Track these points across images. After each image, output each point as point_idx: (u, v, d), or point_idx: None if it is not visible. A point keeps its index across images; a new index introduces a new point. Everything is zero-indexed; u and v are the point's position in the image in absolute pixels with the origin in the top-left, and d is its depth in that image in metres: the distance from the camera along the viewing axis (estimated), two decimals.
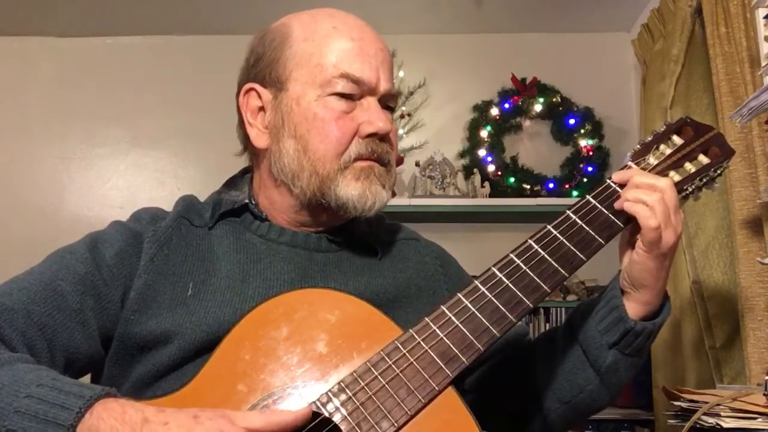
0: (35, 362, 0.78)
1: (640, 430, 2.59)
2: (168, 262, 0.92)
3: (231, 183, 1.06)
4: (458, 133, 3.07)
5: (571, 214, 0.89)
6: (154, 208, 1.01)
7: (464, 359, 0.80)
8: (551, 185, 2.93)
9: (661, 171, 0.92)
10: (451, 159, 2.95)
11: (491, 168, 2.94)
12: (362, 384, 0.78)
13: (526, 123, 3.09)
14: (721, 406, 1.18)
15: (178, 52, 3.15)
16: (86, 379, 0.90)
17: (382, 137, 0.94)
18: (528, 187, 2.92)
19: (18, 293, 0.83)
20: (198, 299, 0.90)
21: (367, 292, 0.91)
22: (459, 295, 0.84)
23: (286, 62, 0.94)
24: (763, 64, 1.57)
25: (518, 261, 0.86)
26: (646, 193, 0.85)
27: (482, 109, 3.04)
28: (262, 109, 0.97)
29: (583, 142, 2.97)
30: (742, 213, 1.72)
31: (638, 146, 0.96)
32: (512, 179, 2.93)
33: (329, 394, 0.77)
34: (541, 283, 0.85)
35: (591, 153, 2.95)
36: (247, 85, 0.98)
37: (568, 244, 0.87)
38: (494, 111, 3.02)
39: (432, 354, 0.80)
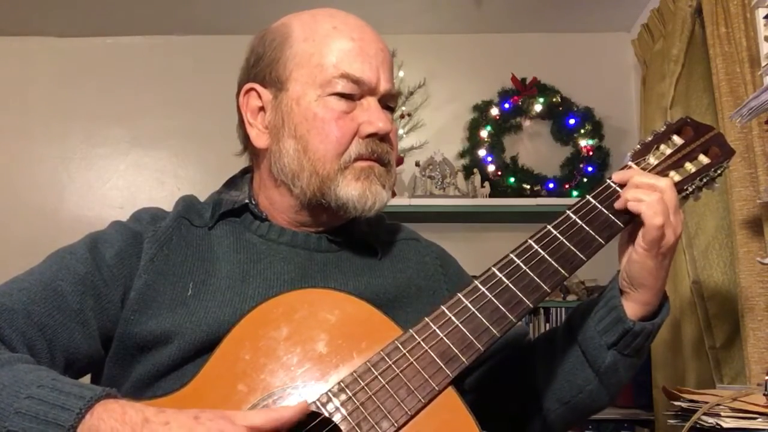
0: (35, 362, 0.78)
1: (640, 430, 2.59)
2: (168, 262, 0.92)
3: (231, 183, 1.06)
4: (458, 133, 3.07)
5: (571, 214, 0.89)
6: (154, 208, 1.01)
7: (464, 359, 0.80)
8: (551, 185, 2.93)
9: (662, 171, 0.92)
10: (451, 159, 2.95)
11: (491, 168, 2.94)
12: (362, 384, 0.78)
13: (526, 123, 3.09)
14: (721, 406, 1.18)
15: (178, 52, 3.15)
16: (86, 379, 0.90)
17: (382, 137, 0.94)
18: (528, 187, 2.92)
19: (18, 293, 0.83)
20: (198, 299, 0.90)
21: (367, 292, 0.91)
22: (459, 295, 0.84)
23: (286, 62, 0.94)
24: (763, 64, 1.57)
25: (518, 261, 0.86)
26: (645, 193, 0.85)
27: (482, 109, 3.04)
28: (262, 109, 0.97)
29: (583, 142, 2.97)
30: (742, 213, 1.72)
31: (638, 146, 0.96)
32: (512, 179, 2.93)
33: (329, 394, 0.78)
34: (541, 283, 0.85)
35: (591, 153, 2.95)
36: (247, 85, 0.98)
37: (568, 244, 0.87)
38: (494, 111, 3.02)
39: (432, 354, 0.80)
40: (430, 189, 2.86)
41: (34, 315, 0.82)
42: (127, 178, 3.10)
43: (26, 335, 0.81)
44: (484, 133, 3.00)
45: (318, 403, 0.77)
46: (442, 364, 0.79)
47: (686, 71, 2.26)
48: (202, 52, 3.11)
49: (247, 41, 1.01)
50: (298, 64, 0.93)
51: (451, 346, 0.81)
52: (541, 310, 2.77)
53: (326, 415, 0.76)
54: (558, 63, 3.07)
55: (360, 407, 0.77)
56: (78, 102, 3.11)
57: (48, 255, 0.92)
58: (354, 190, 0.92)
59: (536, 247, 0.87)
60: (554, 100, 3.01)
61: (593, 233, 0.87)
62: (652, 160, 0.94)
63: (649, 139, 0.96)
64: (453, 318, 0.82)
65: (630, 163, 0.94)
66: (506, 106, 3.02)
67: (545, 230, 0.88)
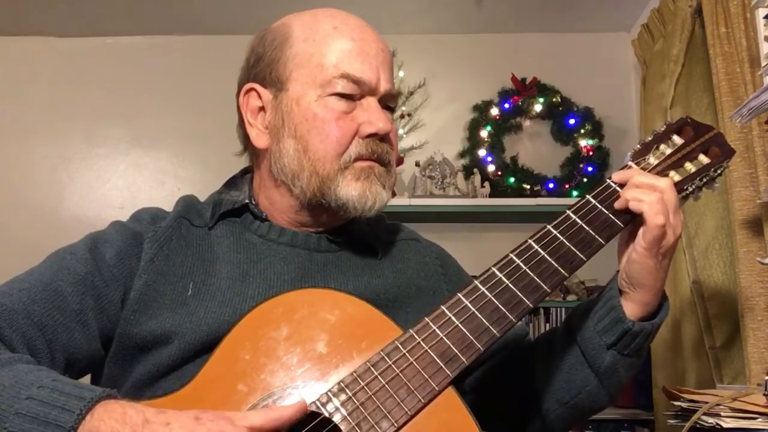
0: (35, 363, 0.78)
1: (640, 430, 2.59)
2: (168, 262, 0.92)
3: (231, 183, 1.06)
4: (458, 133, 3.07)
5: (571, 214, 0.89)
6: (154, 208, 1.01)
7: (464, 359, 0.80)
8: (551, 185, 2.93)
9: (662, 171, 0.92)
10: (451, 159, 2.95)
11: (491, 168, 2.94)
12: (362, 384, 0.78)
13: (526, 123, 3.09)
14: (721, 406, 1.18)
15: (178, 52, 3.15)
16: (86, 379, 0.90)
17: (383, 137, 0.94)
18: (528, 187, 2.92)
19: (18, 294, 0.83)
20: (198, 299, 0.90)
21: (367, 293, 0.91)
22: (459, 295, 0.84)
23: (286, 62, 0.94)
24: (763, 64, 1.57)
25: (518, 261, 0.86)
26: (646, 193, 0.85)
27: (482, 109, 3.04)
28: (262, 109, 0.97)
29: (583, 142, 2.97)
30: (742, 213, 1.72)
31: (638, 146, 0.96)
32: (512, 179, 2.93)
33: (329, 394, 0.78)
34: (541, 283, 0.85)
35: (591, 153, 2.95)
36: (248, 85, 0.98)
37: (568, 244, 0.87)
38: (494, 111, 3.02)
39: (432, 354, 0.80)
40: (430, 189, 2.86)
41: (35, 315, 0.82)
42: (127, 178, 3.10)
43: (26, 335, 0.81)
44: (484, 133, 3.00)
45: (318, 403, 0.77)
46: (442, 364, 0.79)
47: (686, 71, 2.26)
48: (202, 52, 3.11)
49: (247, 41, 1.01)
50: (299, 64, 0.93)
51: (451, 346, 0.81)
52: (541, 310, 2.77)
53: (326, 415, 0.76)
54: (558, 63, 3.07)
55: (360, 407, 0.77)
56: (78, 102, 3.11)
57: (48, 255, 0.92)
58: (354, 191, 0.92)
59: (536, 247, 0.87)
60: (554, 100, 3.01)
61: (593, 233, 0.87)
62: (652, 160, 0.94)
63: (649, 139, 0.96)
64: (453, 318, 0.82)
65: (630, 162, 0.94)
66: (506, 106, 3.02)
67: (545, 230, 0.88)
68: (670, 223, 0.85)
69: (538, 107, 3.02)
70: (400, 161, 2.89)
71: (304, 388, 0.78)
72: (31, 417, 0.68)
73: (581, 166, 2.94)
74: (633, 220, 0.87)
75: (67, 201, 3.05)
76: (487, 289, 0.84)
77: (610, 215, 0.88)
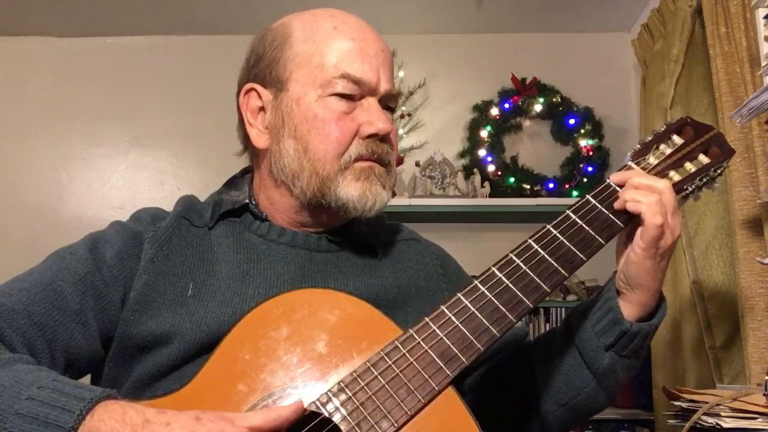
0: (35, 363, 0.78)
1: (640, 430, 2.60)
2: (168, 262, 0.92)
3: (231, 183, 1.06)
4: (458, 133, 3.07)
5: (571, 214, 0.89)
6: (154, 208, 1.01)
7: (464, 359, 0.80)
8: (551, 185, 2.93)
9: (662, 171, 0.92)
10: (451, 159, 2.95)
11: (491, 168, 2.94)
12: (362, 384, 0.78)
13: (526, 123, 3.09)
14: (721, 406, 1.18)
15: (178, 52, 3.14)
16: (86, 379, 0.90)
17: (383, 138, 0.94)
18: (528, 187, 2.92)
19: (18, 294, 0.83)
20: (198, 299, 0.90)
21: (367, 293, 0.91)
22: (459, 294, 0.84)
23: (286, 62, 0.94)
24: (763, 64, 1.57)
25: (518, 261, 0.86)
26: (644, 194, 0.85)
27: (482, 109, 3.04)
28: (262, 109, 0.97)
29: (583, 142, 2.97)
30: (742, 213, 1.72)
31: (638, 146, 0.96)
32: (512, 179, 2.93)
33: (329, 394, 0.78)
34: (541, 283, 0.85)
35: (591, 153, 2.95)
36: (248, 85, 0.98)
37: (568, 243, 0.87)
38: (494, 111, 3.02)
39: (432, 354, 0.80)
40: (430, 189, 2.86)
41: (35, 315, 0.82)
42: (127, 178, 3.10)
43: (26, 335, 0.81)
44: (484, 133, 3.00)
45: (318, 403, 0.77)
46: (442, 364, 0.79)
47: (686, 71, 2.26)
48: (202, 52, 3.11)
49: (247, 41, 1.01)
50: (299, 65, 0.93)
51: (451, 346, 0.81)
52: (541, 310, 2.77)
53: (326, 415, 0.76)
54: (558, 63, 3.07)
55: (360, 407, 0.77)
56: (78, 102, 3.11)
57: (48, 255, 0.92)
58: (354, 191, 0.92)
59: (536, 246, 0.87)
60: (554, 100, 3.01)
61: (593, 233, 0.87)
62: (652, 159, 0.94)
63: (649, 138, 0.96)
64: (453, 318, 0.82)
65: (630, 162, 0.94)
66: (506, 106, 3.02)
67: (545, 230, 0.88)
68: (669, 223, 0.85)
69: (538, 107, 3.02)
70: (400, 161, 2.89)
71: (304, 388, 0.78)
72: (31, 417, 0.69)
73: (581, 166, 2.94)
74: (633, 219, 0.87)
75: (67, 201, 3.05)
76: (487, 289, 0.84)
77: (610, 215, 0.88)
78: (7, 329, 0.79)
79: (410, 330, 0.82)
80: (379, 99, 0.95)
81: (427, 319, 0.82)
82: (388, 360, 0.79)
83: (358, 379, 0.78)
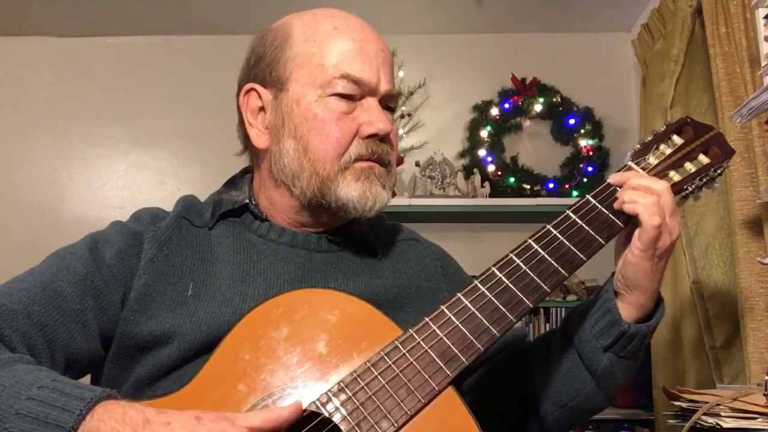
0: (35, 363, 0.78)
1: (640, 430, 2.60)
2: (168, 262, 0.92)
3: (231, 183, 1.06)
4: (458, 133, 3.07)
5: (571, 214, 0.89)
6: (154, 208, 1.01)
7: (464, 359, 0.80)
8: (551, 185, 2.93)
9: (661, 171, 0.92)
10: (451, 159, 2.95)
11: (491, 168, 2.94)
12: (362, 384, 0.78)
13: (526, 123, 3.09)
14: (721, 406, 1.18)
15: (178, 52, 3.15)
16: (86, 379, 0.90)
17: (383, 138, 0.94)
18: (528, 187, 2.92)
19: (18, 294, 0.83)
20: (198, 299, 0.90)
21: (368, 293, 0.90)
22: (459, 294, 0.84)
23: (286, 62, 0.94)
24: (763, 64, 1.57)
25: (518, 261, 0.86)
26: (642, 195, 0.85)
27: (482, 109, 3.04)
28: (262, 109, 0.97)
29: (583, 142, 2.97)
30: (742, 213, 1.72)
31: (638, 146, 0.96)
32: (512, 179, 2.93)
33: (329, 394, 0.78)
34: (541, 283, 0.85)
35: (591, 153, 2.95)
36: (248, 85, 0.98)
37: (568, 243, 0.87)
38: (494, 111, 3.02)
39: (432, 354, 0.80)
40: (430, 189, 2.86)
41: (35, 315, 0.82)
42: (127, 178, 3.10)
43: (26, 335, 0.81)
44: (484, 133, 3.00)
45: (318, 403, 0.77)
46: (442, 364, 0.79)
47: (686, 71, 2.26)
48: (202, 52, 3.11)
49: (247, 41, 1.01)
50: (299, 65, 0.93)
51: (451, 346, 0.81)
52: (541, 310, 2.77)
53: (326, 414, 0.76)
54: (558, 63, 3.07)
55: (360, 407, 0.77)
56: (78, 102, 3.11)
57: (48, 255, 0.92)
58: (354, 191, 0.92)
59: (536, 246, 0.87)
60: (554, 100, 3.01)
61: (593, 233, 0.87)
62: (652, 159, 0.94)
63: (649, 138, 0.96)
64: (453, 318, 0.82)
65: (630, 162, 0.94)
66: (506, 106, 3.02)
67: (545, 230, 0.88)
68: (667, 224, 0.85)
69: (538, 107, 3.02)
70: (400, 161, 2.89)
71: (304, 388, 0.78)
72: (31, 417, 0.69)
73: (581, 166, 2.94)
74: (632, 220, 0.87)
75: (67, 201, 3.05)
76: (487, 289, 0.84)
77: (610, 215, 0.88)
78: (7, 329, 0.79)
79: (410, 330, 0.82)
80: (379, 99, 0.95)
81: (427, 319, 0.82)
82: (388, 360, 0.79)
83: (358, 379, 0.78)
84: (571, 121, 2.99)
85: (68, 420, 0.68)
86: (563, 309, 2.74)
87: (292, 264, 0.94)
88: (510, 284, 0.84)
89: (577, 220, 0.88)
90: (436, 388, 0.78)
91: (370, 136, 0.93)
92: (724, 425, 1.15)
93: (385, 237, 1.05)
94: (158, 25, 3.07)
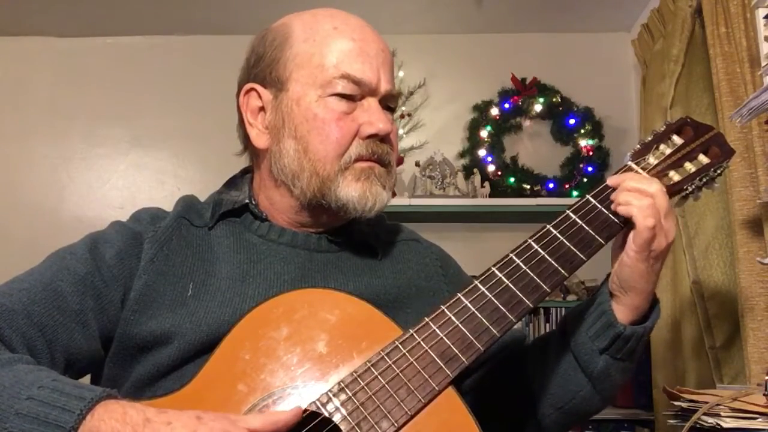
0: (35, 363, 0.78)
1: (640, 430, 2.59)
2: (168, 262, 0.92)
3: (231, 183, 1.06)
4: (458, 133, 3.07)
5: (571, 214, 0.89)
6: (154, 208, 1.01)
7: (464, 359, 0.80)
8: (551, 185, 2.94)
9: (661, 171, 0.92)
10: (451, 159, 2.95)
11: (491, 168, 2.94)
12: (362, 384, 0.78)
13: (526, 123, 3.09)
14: (721, 406, 1.18)
15: (178, 52, 3.15)
16: (86, 379, 0.90)
17: (383, 138, 0.94)
18: (528, 187, 2.92)
19: (18, 294, 0.83)
20: (198, 299, 0.90)
21: (368, 293, 0.90)
22: (459, 294, 0.84)
23: (286, 62, 0.94)
24: (763, 64, 1.57)
25: (518, 261, 0.86)
26: (636, 197, 0.85)
27: (482, 109, 3.04)
28: (262, 109, 0.97)
29: (583, 142, 2.97)
30: (742, 213, 1.72)
31: (638, 146, 0.96)
32: (512, 179, 2.93)
33: (329, 394, 0.78)
34: (541, 283, 0.85)
35: (591, 153, 2.95)
36: (248, 85, 0.98)
37: (568, 243, 0.87)
38: (494, 111, 3.02)
39: (432, 354, 0.80)
40: (430, 189, 2.86)
41: (34, 315, 0.82)
42: (127, 178, 3.10)
43: (26, 336, 0.81)
44: (484, 133, 3.00)
45: (318, 403, 0.77)
46: (442, 364, 0.79)
47: (686, 71, 2.26)
48: (202, 52, 3.11)
49: (247, 41, 1.01)
50: (299, 65, 0.93)
51: (451, 346, 0.81)
52: (541, 310, 2.77)
53: (326, 415, 0.76)
54: (558, 63, 3.07)
55: (360, 407, 0.77)
56: (78, 102, 3.11)
57: (48, 255, 0.92)
58: (354, 191, 0.92)
59: (536, 246, 0.87)
60: (554, 100, 3.01)
61: (593, 233, 0.87)
62: (652, 159, 0.94)
63: (649, 139, 0.96)
64: (453, 318, 0.82)
65: (630, 163, 0.94)
66: (506, 106, 3.02)
67: (545, 230, 0.88)
68: (662, 226, 0.84)
69: (538, 107, 3.02)
70: (400, 161, 2.89)
71: (304, 388, 0.78)
72: (31, 417, 0.69)
73: (581, 166, 2.94)
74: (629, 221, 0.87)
75: (67, 201, 3.05)
76: (487, 289, 0.84)
77: (610, 215, 0.88)
78: (7, 329, 0.79)
79: (410, 330, 0.82)
80: (380, 99, 0.95)
81: (427, 319, 0.82)
82: (388, 360, 0.79)
83: (359, 379, 0.78)
84: (571, 121, 2.99)
85: (68, 420, 0.68)
86: (563, 309, 2.74)
87: (292, 264, 0.94)
88: (510, 284, 0.84)
89: (577, 220, 0.88)
90: (436, 388, 0.78)
91: (370, 137, 0.93)
92: (724, 425, 1.15)
93: (385, 237, 1.05)
94: (158, 25, 3.07)
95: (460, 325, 0.82)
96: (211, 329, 0.86)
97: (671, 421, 1.31)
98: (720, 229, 2.01)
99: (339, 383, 0.78)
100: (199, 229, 0.97)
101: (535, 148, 3.07)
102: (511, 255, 0.87)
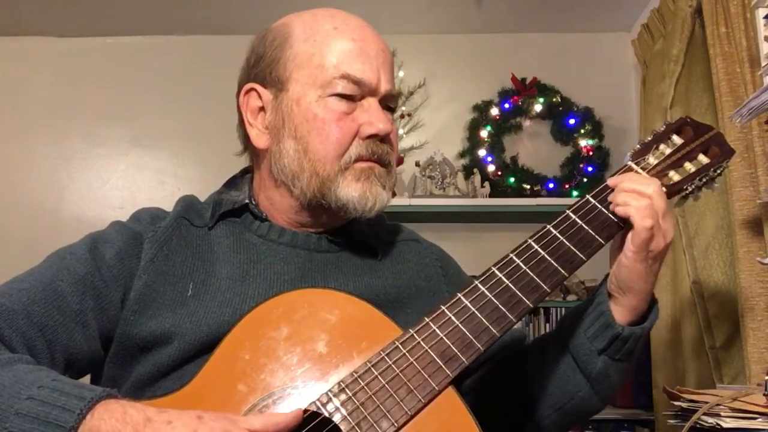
0: (35, 363, 0.78)
1: (640, 430, 2.59)
2: (168, 262, 0.92)
3: (231, 183, 1.06)
4: (458, 133, 3.07)
5: (571, 214, 0.89)
6: (154, 208, 1.01)
7: (464, 359, 0.80)
8: (551, 185, 2.94)
9: (661, 171, 0.92)
10: (451, 159, 2.95)
11: (491, 168, 2.94)
12: (362, 384, 0.78)
13: (526, 123, 3.09)
14: (721, 406, 1.18)
15: (178, 52, 3.15)
16: (86, 379, 0.90)
17: (383, 138, 0.94)
18: (528, 187, 2.92)
19: (18, 294, 0.83)
20: (198, 299, 0.90)
21: (368, 293, 0.90)
22: (459, 294, 0.84)
23: (286, 62, 0.94)
24: (763, 64, 1.57)
25: (518, 261, 0.86)
26: (634, 198, 0.85)
27: (482, 109, 3.04)
28: (262, 109, 0.97)
29: (583, 142, 2.97)
30: (742, 213, 1.72)
31: (638, 146, 0.96)
32: (512, 179, 2.93)
33: (329, 394, 0.78)
34: (541, 283, 0.85)
35: (591, 153, 2.95)
36: (248, 85, 0.98)
37: (567, 243, 0.87)
38: (494, 111, 3.02)
39: (432, 354, 0.80)
40: (430, 189, 2.86)
41: (34, 315, 0.82)
42: (127, 178, 3.10)
43: (26, 336, 0.81)
44: (484, 133, 3.00)
45: (318, 403, 0.77)
46: (442, 364, 0.79)
47: (686, 71, 2.26)
48: (202, 52, 3.11)
49: (247, 41, 1.01)
50: (299, 65, 0.93)
51: (451, 345, 0.81)
52: (541, 310, 2.77)
53: (326, 415, 0.76)
54: (558, 63, 3.07)
55: (360, 407, 0.77)
56: (78, 102, 3.11)
57: (48, 255, 0.92)
58: (354, 191, 0.92)
59: (536, 246, 0.87)
60: (554, 100, 3.01)
61: (593, 233, 0.87)
62: (652, 159, 0.94)
63: (649, 139, 0.96)
64: (453, 318, 0.82)
65: (630, 162, 0.94)
66: (506, 106, 3.02)
67: (545, 230, 0.88)
68: (660, 227, 0.84)
69: (538, 107, 3.02)
70: (400, 161, 2.89)
71: (304, 388, 0.78)
72: (31, 417, 0.69)
73: (581, 166, 2.94)
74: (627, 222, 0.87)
75: (67, 201, 3.05)
76: (487, 288, 0.84)
77: (610, 215, 0.88)
78: (7, 329, 0.79)
79: (410, 330, 0.82)
80: (380, 99, 0.95)
81: (427, 319, 0.82)
82: (388, 360, 0.79)
83: (359, 380, 0.78)
84: (571, 121, 2.99)
85: (68, 419, 0.68)
86: (563, 309, 2.74)
87: (292, 264, 0.94)
88: (510, 284, 0.84)
89: (577, 220, 0.88)
90: (436, 388, 0.78)
91: (370, 137, 0.93)
92: (724, 425, 1.15)
93: (385, 237, 1.05)
94: (158, 25, 3.07)
95: (460, 325, 0.82)
96: (211, 329, 0.86)
97: (671, 421, 1.31)
98: (720, 229, 2.01)
99: (339, 383, 0.78)
100: (199, 229, 0.97)
101: (535, 148, 3.07)
102: (511, 255, 0.87)
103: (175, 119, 3.09)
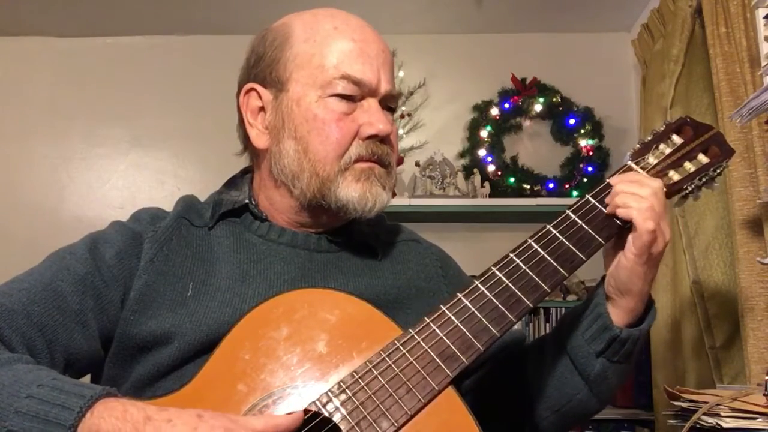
0: (35, 363, 0.78)
1: (640, 430, 2.59)
2: (168, 262, 0.92)
3: (231, 183, 1.06)
4: (458, 133, 3.07)
5: (571, 214, 0.89)
6: (154, 208, 1.01)
7: (464, 359, 0.80)
8: (551, 185, 2.94)
9: (661, 170, 0.92)
10: (451, 159, 2.95)
11: (491, 168, 2.94)
12: (362, 384, 0.78)
13: (526, 123, 3.09)
14: (721, 406, 1.18)
15: (178, 52, 3.15)
16: (86, 379, 0.90)
17: (383, 139, 0.94)
18: (528, 187, 2.92)
19: (18, 294, 0.83)
20: (198, 299, 0.90)
21: (367, 293, 0.90)
22: (459, 294, 0.84)
23: (286, 63, 0.94)
24: (763, 64, 1.57)
25: (518, 260, 0.86)
26: (635, 199, 0.85)
27: (482, 109, 3.04)
28: (262, 109, 0.97)
29: (583, 142, 2.97)
30: (742, 213, 1.72)
31: (638, 146, 0.96)
32: (512, 179, 2.93)
33: (329, 393, 0.78)
34: (541, 283, 0.85)
35: (591, 153, 2.95)
36: (248, 85, 0.98)
37: (567, 243, 0.87)
38: (494, 111, 3.02)
39: (432, 354, 0.80)
40: (430, 189, 2.86)
41: (34, 315, 0.82)
42: (127, 178, 3.10)
43: (26, 335, 0.81)
44: (484, 133, 3.00)
45: (318, 403, 0.77)
46: (442, 364, 0.79)
47: (686, 71, 2.26)
48: (202, 52, 3.11)
49: (247, 41, 1.01)
50: (299, 65, 0.93)
51: (451, 345, 0.81)
52: (541, 310, 2.77)
53: (326, 414, 0.76)
54: (558, 63, 3.07)
55: (360, 407, 0.77)
56: (78, 102, 3.11)
57: (48, 255, 0.92)
58: (354, 192, 0.92)
59: (536, 246, 0.87)
60: (554, 100, 3.01)
61: (593, 233, 0.87)
62: (652, 159, 0.94)
63: (649, 138, 0.96)
64: (453, 318, 0.82)
65: (630, 162, 0.94)
66: (506, 106, 3.02)
67: (545, 230, 0.88)
68: (660, 229, 0.85)
69: (538, 107, 3.02)
70: (400, 161, 2.89)
71: (304, 388, 0.78)
72: (31, 415, 0.69)
73: (581, 166, 2.94)
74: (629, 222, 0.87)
75: (67, 201, 3.05)
76: (486, 288, 0.84)
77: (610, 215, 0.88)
78: (7, 329, 0.79)
79: (410, 330, 0.82)
80: (380, 100, 0.95)
81: (427, 319, 0.82)
82: (388, 360, 0.79)
83: (359, 380, 0.78)
84: (571, 121, 2.99)
85: (68, 417, 0.68)
86: (563, 309, 2.73)
87: (292, 264, 0.94)
88: (510, 284, 0.84)
89: (577, 219, 0.88)
90: (436, 387, 0.78)
91: (370, 137, 0.93)
92: (724, 425, 1.15)
93: (385, 237, 1.05)
94: (158, 25, 3.07)
95: (459, 324, 0.82)
96: (211, 329, 0.86)
97: (671, 421, 1.31)
98: (720, 229, 2.01)
99: (339, 383, 0.78)
100: (199, 229, 0.97)
101: (535, 148, 3.07)
102: (510, 255, 0.87)
103: (175, 119, 3.09)
